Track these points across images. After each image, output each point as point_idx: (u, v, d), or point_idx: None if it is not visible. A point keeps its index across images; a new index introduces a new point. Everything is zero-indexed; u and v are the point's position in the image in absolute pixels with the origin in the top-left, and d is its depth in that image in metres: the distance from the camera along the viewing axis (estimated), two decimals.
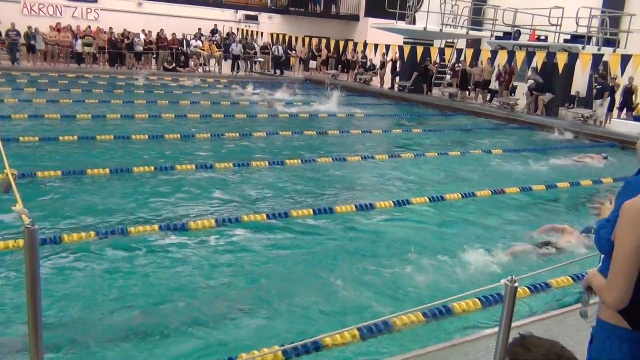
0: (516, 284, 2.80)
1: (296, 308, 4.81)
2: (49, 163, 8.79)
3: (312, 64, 27.66)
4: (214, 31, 27.08)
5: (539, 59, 16.99)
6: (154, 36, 24.32)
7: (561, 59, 16.10)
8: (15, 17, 22.61)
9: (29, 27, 22.16)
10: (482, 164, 11.23)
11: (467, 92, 21.52)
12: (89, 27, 23.86)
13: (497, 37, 21.52)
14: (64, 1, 24.62)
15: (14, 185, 3.59)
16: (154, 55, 24.47)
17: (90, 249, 5.69)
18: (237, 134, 12.25)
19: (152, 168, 8.83)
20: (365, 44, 23.06)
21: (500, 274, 5.41)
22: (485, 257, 6.14)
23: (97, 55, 23.55)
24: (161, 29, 24.43)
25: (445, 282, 5.45)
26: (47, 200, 7.13)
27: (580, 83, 18.65)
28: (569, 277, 5.44)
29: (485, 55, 19.22)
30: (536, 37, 20.41)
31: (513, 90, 20.23)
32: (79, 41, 22.88)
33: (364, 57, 25.49)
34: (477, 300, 4.81)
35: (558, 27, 19.02)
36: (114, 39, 23.52)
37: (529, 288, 5.20)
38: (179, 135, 11.60)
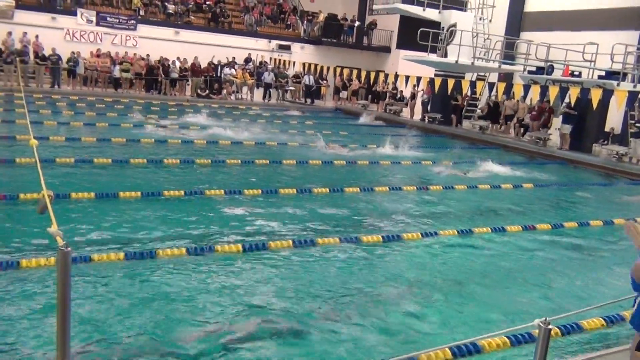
0: (550, 326, 2.73)
1: (318, 340, 4.75)
2: (84, 185, 8.99)
3: (343, 94, 27.94)
4: (247, 60, 27.64)
5: (572, 95, 16.79)
6: (189, 64, 24.95)
7: (595, 95, 15.87)
8: (58, 43, 23.55)
9: (72, 52, 23.00)
10: (512, 198, 11.07)
11: (499, 126, 21.34)
12: (126, 52, 24.60)
13: (530, 72, 21.37)
14: (105, 29, 25.50)
15: (49, 206, 3.68)
16: (188, 82, 25.07)
17: (119, 271, 5.75)
18: (267, 161, 12.37)
19: (182, 192, 8.95)
20: (396, 76, 23.19)
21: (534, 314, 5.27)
22: (519, 295, 5.99)
23: (134, 80, 24.24)
24: (195, 57, 25.07)
25: (475, 319, 5.32)
26: (79, 221, 7.26)
27: (615, 119, 18.33)
28: (602, 319, 5.27)
29: (517, 89, 19.10)
30: (570, 72, 20.20)
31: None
32: (117, 67, 23.62)
33: (395, 88, 25.61)
34: (506, 339, 4.68)
35: (592, 63, 18.81)
36: (150, 65, 24.22)
37: (560, 329, 5.04)
38: (209, 161, 11.80)
